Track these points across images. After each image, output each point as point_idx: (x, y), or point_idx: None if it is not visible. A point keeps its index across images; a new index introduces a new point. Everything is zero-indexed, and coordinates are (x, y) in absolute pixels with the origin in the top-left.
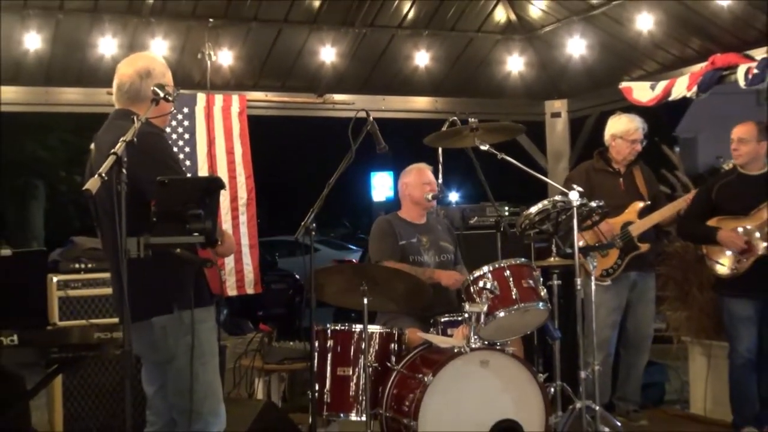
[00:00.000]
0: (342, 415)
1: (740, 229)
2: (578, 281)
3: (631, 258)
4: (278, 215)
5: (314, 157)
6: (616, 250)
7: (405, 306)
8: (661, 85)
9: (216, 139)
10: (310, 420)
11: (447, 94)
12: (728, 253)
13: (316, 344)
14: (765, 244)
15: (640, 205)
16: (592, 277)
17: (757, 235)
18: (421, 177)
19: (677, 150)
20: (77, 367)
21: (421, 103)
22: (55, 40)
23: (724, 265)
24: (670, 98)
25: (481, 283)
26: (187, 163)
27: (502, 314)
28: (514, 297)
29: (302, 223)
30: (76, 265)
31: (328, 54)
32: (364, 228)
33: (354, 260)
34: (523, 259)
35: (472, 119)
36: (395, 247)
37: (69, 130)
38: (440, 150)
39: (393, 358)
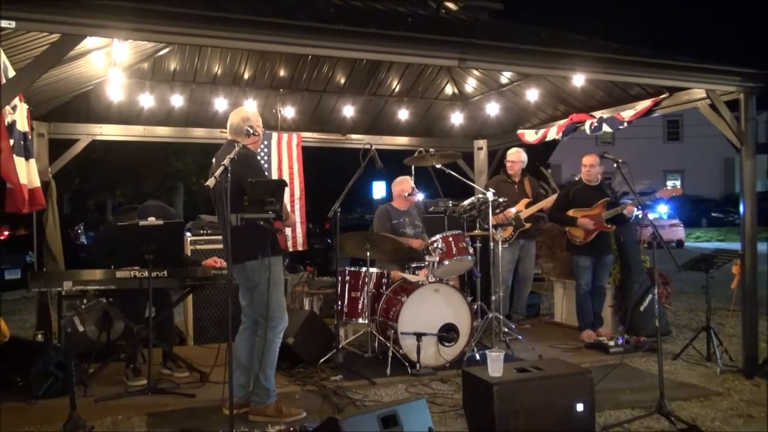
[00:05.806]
0: (354, 319)
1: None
2: (491, 244)
3: (520, 232)
4: (315, 205)
5: (339, 171)
6: (511, 227)
7: (391, 257)
8: (541, 131)
9: (282, 160)
10: (336, 322)
11: (417, 135)
12: (580, 230)
13: (339, 279)
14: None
15: (527, 201)
16: (499, 243)
17: (602, 218)
18: (407, 183)
19: (550, 170)
20: (201, 290)
21: (402, 140)
22: (190, 100)
23: (578, 237)
24: (546, 140)
25: (435, 244)
26: (266, 173)
27: (447, 262)
28: (454, 252)
29: (332, 208)
30: (201, 231)
31: (349, 111)
32: (368, 214)
33: None
34: (459, 231)
35: (431, 150)
36: (388, 224)
37: (198, 153)
38: (413, 167)
39: (384, 287)
